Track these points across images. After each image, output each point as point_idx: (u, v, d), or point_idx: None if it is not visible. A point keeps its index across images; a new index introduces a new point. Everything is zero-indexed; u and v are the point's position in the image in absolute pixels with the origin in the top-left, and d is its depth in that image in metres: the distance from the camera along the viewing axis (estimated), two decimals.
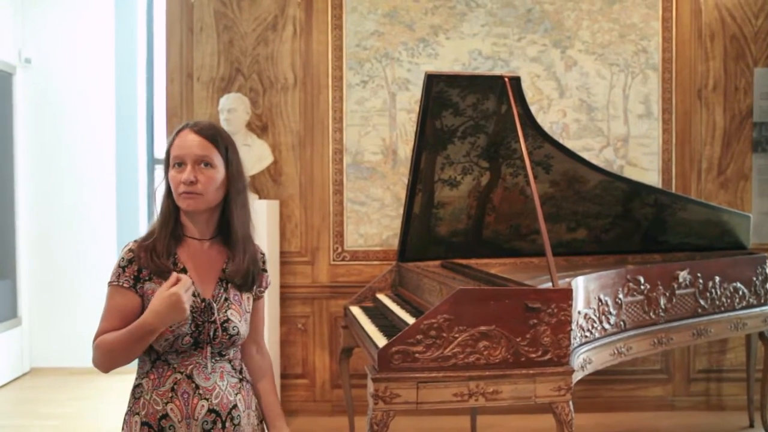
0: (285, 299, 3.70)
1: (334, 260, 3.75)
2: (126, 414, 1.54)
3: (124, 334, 1.42)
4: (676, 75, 3.77)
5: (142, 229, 5.12)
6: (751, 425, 3.51)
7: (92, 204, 4.96)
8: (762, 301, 3.21)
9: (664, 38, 3.76)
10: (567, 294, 2.12)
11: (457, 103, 2.60)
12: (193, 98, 3.65)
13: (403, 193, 3.71)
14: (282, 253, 3.71)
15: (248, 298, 1.60)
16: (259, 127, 3.69)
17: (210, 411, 1.49)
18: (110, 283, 1.50)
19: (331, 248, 3.75)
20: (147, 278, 1.49)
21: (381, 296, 2.99)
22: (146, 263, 1.48)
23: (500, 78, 2.52)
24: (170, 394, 1.48)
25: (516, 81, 2.51)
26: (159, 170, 5.20)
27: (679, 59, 3.78)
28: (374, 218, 3.76)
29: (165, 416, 1.47)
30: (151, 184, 5.16)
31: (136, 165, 5.04)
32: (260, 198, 3.63)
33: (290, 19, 3.69)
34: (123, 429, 1.54)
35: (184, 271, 1.52)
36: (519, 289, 2.13)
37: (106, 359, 1.46)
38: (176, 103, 3.64)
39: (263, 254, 1.68)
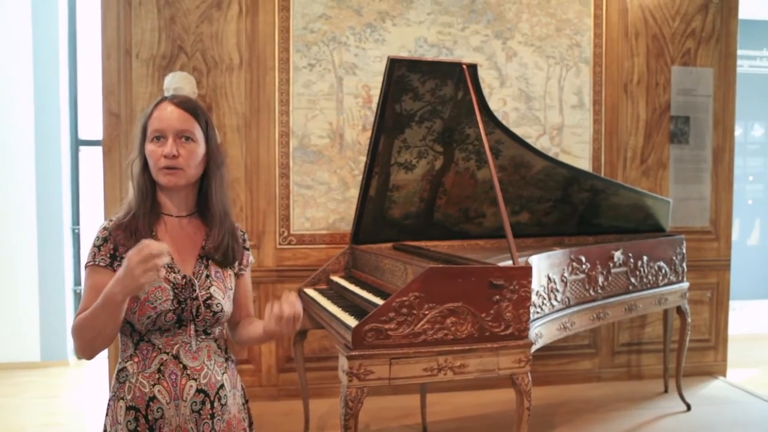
0: None
1: (280, 244, 3.72)
2: (110, 400, 1.49)
3: (95, 306, 1.33)
4: (605, 69, 4.03)
5: (66, 216, 4.81)
6: (666, 391, 3.86)
7: (9, 189, 4.59)
8: (680, 278, 3.54)
9: (595, 34, 4.00)
10: (527, 271, 2.24)
11: (417, 87, 2.66)
12: (131, 76, 3.46)
13: (349, 177, 3.74)
14: None
15: (230, 275, 1.59)
16: None
17: (198, 391, 1.47)
18: (87, 264, 1.45)
19: (277, 232, 3.71)
20: (123, 256, 1.41)
21: (336, 278, 3.00)
22: (123, 241, 1.43)
23: (458, 65, 2.61)
24: (157, 376, 1.44)
25: (473, 69, 2.61)
26: (85, 152, 4.92)
27: (608, 54, 4.04)
28: (321, 202, 3.75)
29: (153, 398, 1.43)
30: (76, 166, 4.85)
31: (59, 147, 4.70)
32: None
33: None
34: (107, 415, 1.48)
35: None
36: (484, 267, 2.22)
37: (82, 339, 1.39)
38: (113, 81, 3.45)
39: (243, 232, 1.67)
